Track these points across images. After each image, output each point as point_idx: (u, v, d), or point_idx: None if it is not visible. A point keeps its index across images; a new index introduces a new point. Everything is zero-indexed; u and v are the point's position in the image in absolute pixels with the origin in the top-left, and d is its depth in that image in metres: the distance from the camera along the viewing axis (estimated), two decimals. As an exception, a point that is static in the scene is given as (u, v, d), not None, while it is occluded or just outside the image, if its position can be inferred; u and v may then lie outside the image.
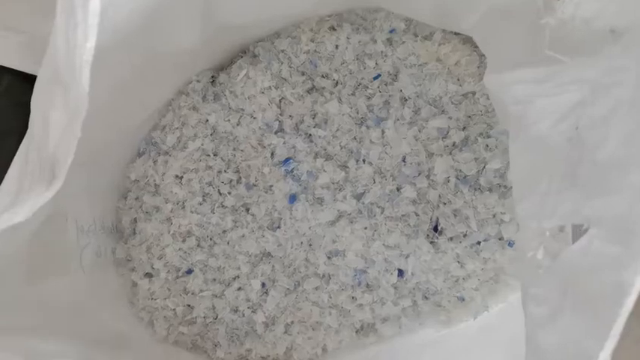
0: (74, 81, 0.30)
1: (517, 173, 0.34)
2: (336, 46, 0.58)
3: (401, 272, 0.55)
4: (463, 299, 0.55)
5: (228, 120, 0.59)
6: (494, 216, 0.51)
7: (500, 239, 0.52)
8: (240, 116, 0.59)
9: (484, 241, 0.52)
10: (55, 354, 0.47)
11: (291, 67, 0.59)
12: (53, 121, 0.37)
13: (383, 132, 0.55)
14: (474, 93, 0.52)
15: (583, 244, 0.25)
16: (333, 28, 0.59)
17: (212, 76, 0.61)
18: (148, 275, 0.62)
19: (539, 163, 0.31)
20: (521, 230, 0.33)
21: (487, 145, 0.51)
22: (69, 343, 0.50)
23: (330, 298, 0.58)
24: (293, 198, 0.57)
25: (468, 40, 0.53)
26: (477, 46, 0.52)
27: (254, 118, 0.59)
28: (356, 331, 0.60)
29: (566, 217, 0.27)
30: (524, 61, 0.32)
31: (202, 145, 0.59)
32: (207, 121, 0.60)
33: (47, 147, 0.36)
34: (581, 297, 0.26)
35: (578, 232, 0.26)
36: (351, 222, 0.56)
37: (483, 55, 0.52)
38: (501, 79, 0.34)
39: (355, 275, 0.57)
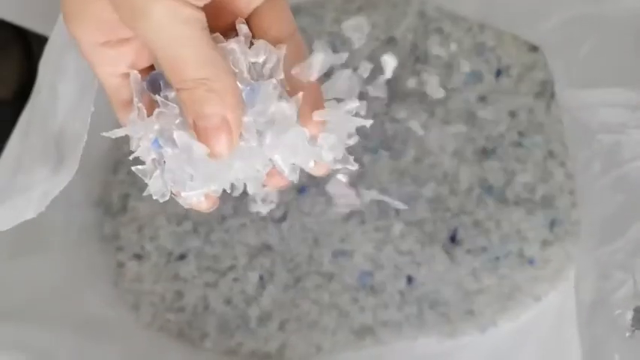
0: None
1: (601, 211, 0.31)
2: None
3: (410, 279, 0.53)
4: (472, 313, 0.52)
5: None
6: (517, 232, 0.49)
7: (521, 256, 0.49)
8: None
9: (504, 257, 0.49)
10: (41, 343, 0.43)
11: (311, 49, 0.54)
12: (62, 94, 0.32)
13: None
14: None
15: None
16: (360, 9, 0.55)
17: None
18: (137, 257, 0.58)
19: (633, 206, 0.28)
20: (604, 278, 0.30)
21: (518, 157, 0.48)
22: (53, 327, 0.46)
23: (331, 297, 0.55)
24: (303, 189, 0.53)
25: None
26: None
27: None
28: (353, 333, 0.57)
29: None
30: (615, 79, 0.29)
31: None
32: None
33: (55, 122, 0.31)
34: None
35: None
36: (363, 222, 0.52)
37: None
38: (584, 98, 0.31)
39: (361, 277, 0.54)
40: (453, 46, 0.51)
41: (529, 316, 0.50)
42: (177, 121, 0.27)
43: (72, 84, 0.32)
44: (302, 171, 0.54)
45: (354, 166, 0.30)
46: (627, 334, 0.26)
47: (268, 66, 0.27)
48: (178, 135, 0.26)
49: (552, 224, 0.48)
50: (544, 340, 0.46)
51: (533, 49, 0.46)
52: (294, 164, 0.30)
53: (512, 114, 0.48)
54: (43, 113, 0.34)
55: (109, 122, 0.56)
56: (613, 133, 0.29)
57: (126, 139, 0.58)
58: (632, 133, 0.29)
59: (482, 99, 0.49)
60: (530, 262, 0.49)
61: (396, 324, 0.56)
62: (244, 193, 0.55)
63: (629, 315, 0.27)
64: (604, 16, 0.30)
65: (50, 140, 0.33)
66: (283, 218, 0.54)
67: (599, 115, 0.30)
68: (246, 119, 0.27)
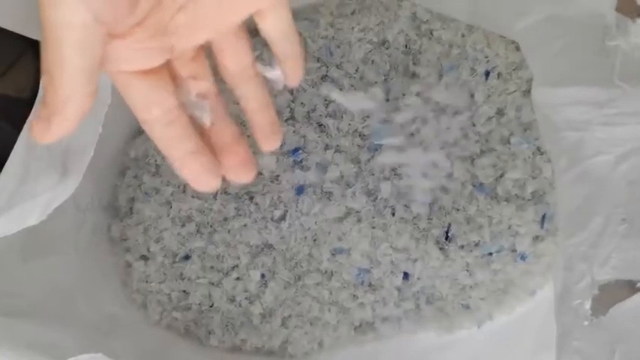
0: None
1: (567, 205, 0.32)
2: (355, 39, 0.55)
3: (406, 275, 0.54)
4: (468, 307, 0.54)
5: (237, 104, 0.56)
6: (509, 227, 0.50)
7: (513, 251, 0.50)
8: (250, 100, 0.56)
9: (496, 252, 0.50)
10: (54, 340, 0.45)
11: (306, 52, 0.56)
12: None
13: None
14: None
15: (637, 302, 0.23)
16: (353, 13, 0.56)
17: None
18: (144, 258, 0.60)
19: (594, 200, 0.29)
20: (569, 270, 0.31)
21: (507, 154, 0.49)
22: (66, 326, 0.48)
23: (331, 294, 0.57)
24: (300, 190, 0.55)
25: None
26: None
27: (264, 103, 0.56)
28: (354, 329, 0.58)
29: (622, 269, 0.25)
30: (582, 78, 0.30)
31: (208, 127, 0.57)
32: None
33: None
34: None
35: (633, 288, 0.24)
36: (359, 220, 0.54)
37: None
38: (553, 96, 0.32)
39: (359, 274, 0.55)
40: (444, 47, 0.52)
41: (524, 309, 0.51)
42: None
43: None
44: (301, 173, 0.55)
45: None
46: (585, 323, 0.27)
47: None
48: None
49: (543, 220, 0.49)
50: (539, 331, 0.47)
51: (520, 48, 0.47)
52: None
53: (501, 112, 0.49)
54: None
55: (117, 131, 0.59)
56: (578, 130, 0.30)
57: (132, 145, 0.59)
58: (595, 130, 0.30)
59: (472, 97, 0.51)
60: (522, 257, 0.50)
61: (395, 319, 0.57)
62: (246, 193, 0.57)
63: (587, 304, 0.28)
64: (570, 17, 0.31)
65: (57, 152, 0.35)
66: (283, 218, 0.56)
67: (566, 112, 0.31)
68: None
